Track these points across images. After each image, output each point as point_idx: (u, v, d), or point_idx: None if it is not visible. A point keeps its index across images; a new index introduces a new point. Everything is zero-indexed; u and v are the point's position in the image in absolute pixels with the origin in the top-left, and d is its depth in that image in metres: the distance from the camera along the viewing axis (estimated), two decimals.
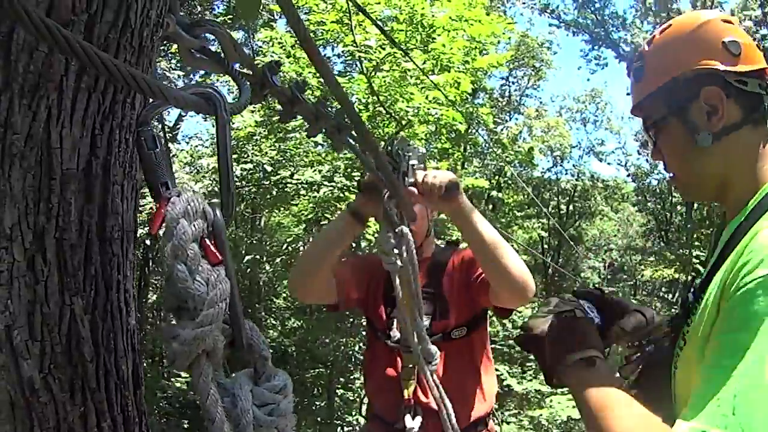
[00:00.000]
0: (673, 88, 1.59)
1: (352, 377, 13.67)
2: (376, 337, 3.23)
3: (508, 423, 22.20)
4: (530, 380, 20.18)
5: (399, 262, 2.14)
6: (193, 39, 1.26)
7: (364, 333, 12.11)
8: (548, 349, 1.72)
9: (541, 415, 17.77)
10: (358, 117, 1.64)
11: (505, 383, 22.07)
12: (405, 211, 2.25)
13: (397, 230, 2.15)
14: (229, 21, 12.55)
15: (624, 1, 40.43)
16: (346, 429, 13.07)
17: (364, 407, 12.93)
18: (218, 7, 14.18)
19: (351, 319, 12.69)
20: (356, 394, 13.69)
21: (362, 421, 13.00)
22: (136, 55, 1.93)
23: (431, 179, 2.51)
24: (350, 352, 13.47)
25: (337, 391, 13.73)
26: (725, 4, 28.21)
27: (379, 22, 9.40)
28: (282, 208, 14.20)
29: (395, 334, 3.07)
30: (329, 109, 1.73)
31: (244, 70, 1.40)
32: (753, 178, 1.52)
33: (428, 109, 10.30)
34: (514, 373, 20.64)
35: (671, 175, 1.72)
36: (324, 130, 1.68)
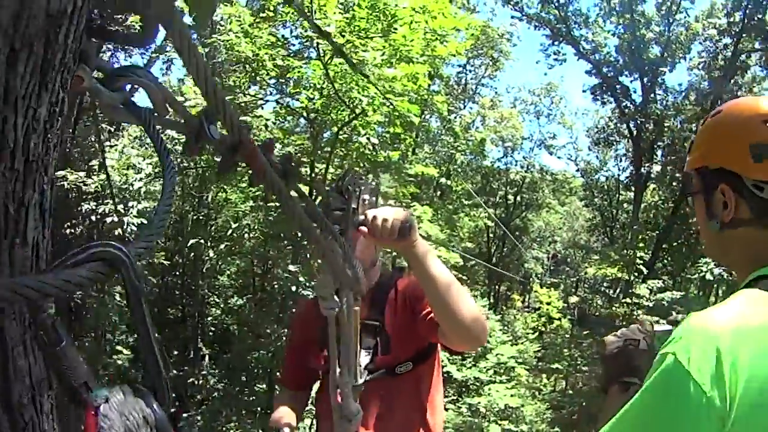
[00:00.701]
0: (704, 173, 1.70)
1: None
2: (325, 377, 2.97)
3: (446, 410, 22.25)
4: (469, 368, 20.30)
5: (335, 309, 1.98)
6: (113, 94, 1.04)
7: None
8: (605, 367, 2.03)
9: (479, 402, 17.88)
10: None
11: (444, 370, 22.21)
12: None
13: None
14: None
15: None
16: None
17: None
18: None
19: (294, 310, 12.49)
20: None
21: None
22: None
23: (382, 220, 2.36)
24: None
25: (277, 379, 13.58)
26: (690, 10, 28.56)
27: (339, 9, 9.20)
28: (230, 184, 13.97)
29: None
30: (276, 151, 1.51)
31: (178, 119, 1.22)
32: (752, 265, 1.59)
33: (383, 98, 10.12)
34: (454, 360, 20.77)
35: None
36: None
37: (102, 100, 1.02)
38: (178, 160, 12.01)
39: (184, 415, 12.45)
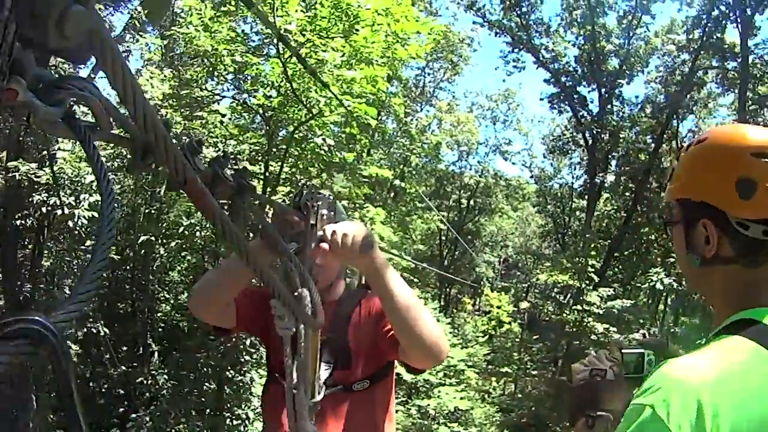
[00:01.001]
0: (687, 205, 1.62)
1: (242, 370, 13.37)
2: (274, 377, 2.95)
3: (396, 412, 22.31)
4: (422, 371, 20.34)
5: (292, 330, 2.03)
6: (50, 109, 0.93)
7: None
8: (571, 398, 1.98)
9: (429, 404, 17.85)
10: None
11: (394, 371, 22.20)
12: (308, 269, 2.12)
13: (296, 293, 1.94)
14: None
15: (550, 8, 41.33)
16: (234, 422, 12.75)
17: (254, 401, 12.64)
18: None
19: None
20: (246, 388, 13.39)
21: (251, 415, 12.69)
22: None
23: (342, 236, 2.30)
24: (241, 345, 13.16)
25: (227, 379, 13.41)
26: (651, 25, 29.00)
27: (301, 7, 9.09)
28: None
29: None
30: (232, 165, 1.42)
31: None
32: (731, 306, 1.53)
33: (341, 99, 10.08)
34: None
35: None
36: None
37: (38, 115, 0.91)
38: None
39: (133, 415, 12.23)
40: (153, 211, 14.97)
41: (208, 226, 13.61)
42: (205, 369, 13.18)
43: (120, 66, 0.76)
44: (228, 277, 2.67)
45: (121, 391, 13.17)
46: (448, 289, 41.66)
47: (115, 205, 0.93)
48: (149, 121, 0.83)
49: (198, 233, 13.47)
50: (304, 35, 9.58)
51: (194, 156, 1.30)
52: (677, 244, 1.67)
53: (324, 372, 2.63)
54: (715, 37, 25.87)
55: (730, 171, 1.50)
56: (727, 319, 1.51)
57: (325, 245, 2.30)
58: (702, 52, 26.60)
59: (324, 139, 11.25)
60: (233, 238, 1.14)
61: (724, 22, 25.58)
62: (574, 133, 32.68)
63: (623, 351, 2.00)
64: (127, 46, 16.17)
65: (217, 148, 11.73)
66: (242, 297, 2.82)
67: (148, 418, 12.16)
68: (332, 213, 2.44)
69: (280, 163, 11.98)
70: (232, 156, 11.70)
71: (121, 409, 12.83)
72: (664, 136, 28.70)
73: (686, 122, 31.40)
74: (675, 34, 28.79)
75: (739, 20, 24.34)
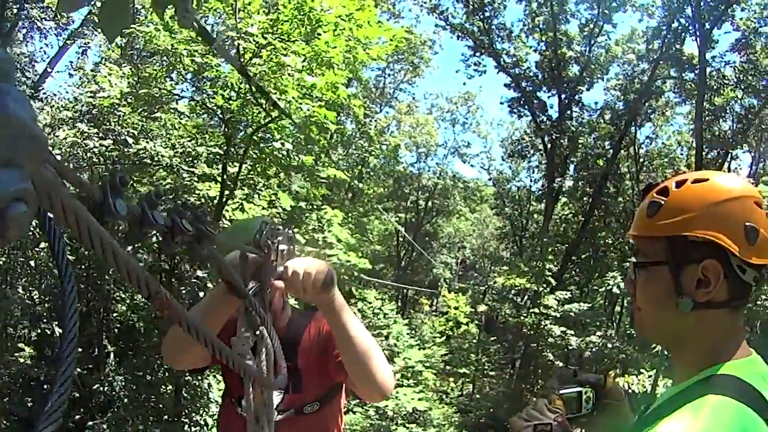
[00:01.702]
0: (681, 244, 1.57)
1: (199, 377, 13.20)
2: (231, 401, 3.00)
3: (354, 412, 22.27)
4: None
5: (255, 366, 2.05)
6: None
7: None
8: None
9: (387, 405, 17.68)
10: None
11: None
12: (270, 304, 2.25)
13: (257, 332, 2.07)
14: None
15: (513, 14, 41.56)
16: (193, 429, 12.57)
17: (213, 408, 12.47)
18: None
19: None
20: (203, 393, 13.22)
21: (210, 421, 12.52)
22: None
23: (304, 273, 2.30)
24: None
25: (185, 382, 13.23)
26: (612, 34, 29.38)
27: (263, 9, 8.97)
28: (139, 175, 13.63)
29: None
30: (192, 213, 1.35)
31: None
32: (707, 357, 1.53)
33: (300, 104, 10.00)
34: None
35: (635, 306, 1.72)
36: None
37: None
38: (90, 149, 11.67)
39: (90, 423, 11.99)
40: None
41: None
42: (161, 372, 13.00)
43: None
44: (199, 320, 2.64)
45: (77, 395, 12.93)
46: (405, 290, 41.77)
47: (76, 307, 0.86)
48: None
49: None
50: (265, 38, 9.46)
51: (153, 209, 1.23)
52: (656, 285, 1.61)
53: (276, 397, 2.61)
54: (674, 48, 26.43)
55: (739, 215, 1.53)
56: (700, 369, 1.52)
57: (279, 283, 2.28)
58: (661, 62, 27.08)
59: (282, 143, 11.16)
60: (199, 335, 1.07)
61: (683, 34, 26.18)
62: (533, 138, 32.94)
63: (562, 392, 1.99)
64: (86, 42, 15.92)
65: (175, 150, 11.55)
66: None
67: (105, 426, 11.96)
68: (291, 247, 2.45)
69: (238, 165, 11.85)
70: (190, 158, 11.57)
71: (77, 416, 12.57)
72: (623, 142, 29.10)
73: (644, 129, 31.93)
74: (635, 44, 29.32)
75: (698, 33, 24.86)
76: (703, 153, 25.17)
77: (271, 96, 7.96)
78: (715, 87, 26.05)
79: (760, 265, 1.53)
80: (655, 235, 1.61)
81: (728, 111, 26.71)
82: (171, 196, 12.26)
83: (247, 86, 9.77)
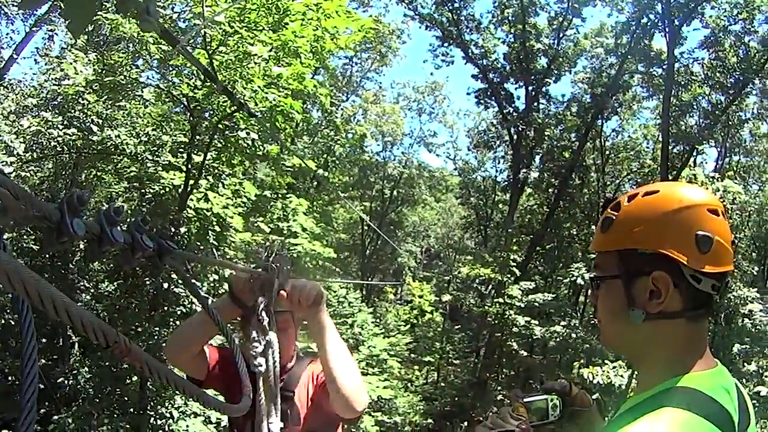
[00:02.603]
0: (631, 257, 1.58)
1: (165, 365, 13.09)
2: None
3: None
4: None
5: (264, 367, 2.68)
6: None
7: (178, 323, 11.51)
8: None
9: None
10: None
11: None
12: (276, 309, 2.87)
13: (267, 338, 2.72)
14: None
15: (482, 5, 41.48)
16: (159, 422, 12.46)
17: (178, 399, 12.37)
18: None
19: (165, 308, 12.08)
20: (168, 386, 13.09)
21: (175, 413, 12.41)
22: None
23: (301, 289, 2.89)
24: (163, 344, 12.86)
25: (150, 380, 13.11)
26: (581, 27, 29.58)
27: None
28: (103, 164, 13.48)
29: None
30: (152, 229, 1.31)
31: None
32: (666, 367, 1.52)
33: (266, 94, 9.95)
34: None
35: (597, 318, 1.74)
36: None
37: None
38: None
39: (55, 417, 11.82)
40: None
41: (130, 218, 13.29)
42: (125, 366, 12.89)
43: None
44: (200, 325, 3.13)
45: (41, 386, 12.76)
46: (370, 278, 41.85)
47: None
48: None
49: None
50: (232, 27, 9.37)
51: (112, 226, 1.20)
52: (612, 298, 1.62)
53: (277, 424, 2.94)
54: (642, 43, 26.69)
55: (691, 225, 1.52)
56: (662, 380, 1.51)
57: (284, 293, 2.89)
58: (629, 57, 27.37)
59: (248, 132, 11.09)
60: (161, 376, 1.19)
61: (652, 30, 26.46)
62: (500, 129, 33.02)
63: (525, 401, 2.01)
64: (51, 28, 15.64)
65: (140, 139, 11.43)
66: (213, 353, 3.32)
67: (70, 420, 11.82)
68: (290, 267, 3.00)
69: (203, 155, 11.74)
70: (155, 147, 11.45)
71: (42, 410, 12.39)
72: (589, 134, 29.40)
73: (610, 122, 32.21)
74: (604, 38, 29.59)
75: (667, 30, 25.20)
76: (669, 147, 25.50)
77: (238, 99, 7.88)
78: (682, 83, 26.41)
79: (718, 273, 1.52)
80: (608, 250, 1.64)
81: (695, 107, 27.11)
82: (136, 185, 12.12)
83: (214, 74, 9.65)
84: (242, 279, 2.89)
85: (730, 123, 27.74)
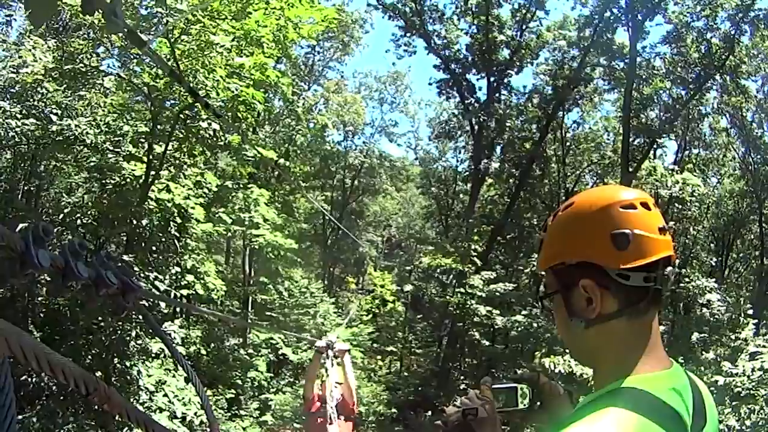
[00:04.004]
0: (561, 271, 1.63)
1: (131, 365, 12.93)
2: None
3: (283, 392, 22.26)
4: (305, 350, 20.40)
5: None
6: None
7: (140, 317, 11.51)
8: None
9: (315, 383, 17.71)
10: None
11: (280, 352, 22.10)
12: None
13: (328, 372, 6.70)
14: None
15: None
16: (124, 418, 12.30)
17: (143, 395, 12.30)
18: None
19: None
20: (134, 380, 12.97)
21: (141, 409, 12.30)
22: None
23: (340, 347, 6.89)
24: (127, 338, 12.73)
25: (114, 369, 12.96)
26: (544, 20, 29.75)
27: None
28: (63, 154, 13.26)
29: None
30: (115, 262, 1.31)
31: None
32: (615, 368, 1.54)
33: (228, 83, 9.88)
34: (289, 342, 20.74)
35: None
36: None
37: None
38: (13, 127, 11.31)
39: (19, 417, 11.59)
40: (32, 188, 14.37)
41: (90, 203, 13.13)
42: (89, 358, 12.74)
43: None
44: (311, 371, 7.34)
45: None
46: (331, 269, 41.82)
47: None
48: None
49: (79, 212, 12.94)
50: (194, 15, 9.25)
51: (77, 260, 1.17)
52: (558, 313, 1.68)
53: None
54: (605, 36, 27.00)
55: (604, 226, 1.55)
56: (612, 380, 1.52)
57: (342, 345, 7.04)
58: (591, 50, 27.63)
59: (209, 123, 10.99)
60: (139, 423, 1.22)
61: (615, 24, 26.75)
62: (461, 119, 33.11)
63: (493, 387, 2.12)
64: (9, 14, 15.28)
65: (100, 129, 11.26)
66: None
67: (35, 419, 11.66)
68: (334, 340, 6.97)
69: (164, 145, 11.61)
70: (116, 137, 11.28)
71: None
72: (550, 126, 29.62)
73: (572, 114, 32.54)
74: (567, 31, 29.74)
75: (630, 24, 25.60)
76: (630, 139, 25.85)
77: (203, 99, 7.80)
78: (644, 76, 26.81)
79: (647, 264, 1.53)
80: (544, 269, 1.71)
81: (656, 100, 27.47)
82: (96, 175, 11.94)
83: (174, 64, 9.54)
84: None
85: (691, 117, 28.15)
